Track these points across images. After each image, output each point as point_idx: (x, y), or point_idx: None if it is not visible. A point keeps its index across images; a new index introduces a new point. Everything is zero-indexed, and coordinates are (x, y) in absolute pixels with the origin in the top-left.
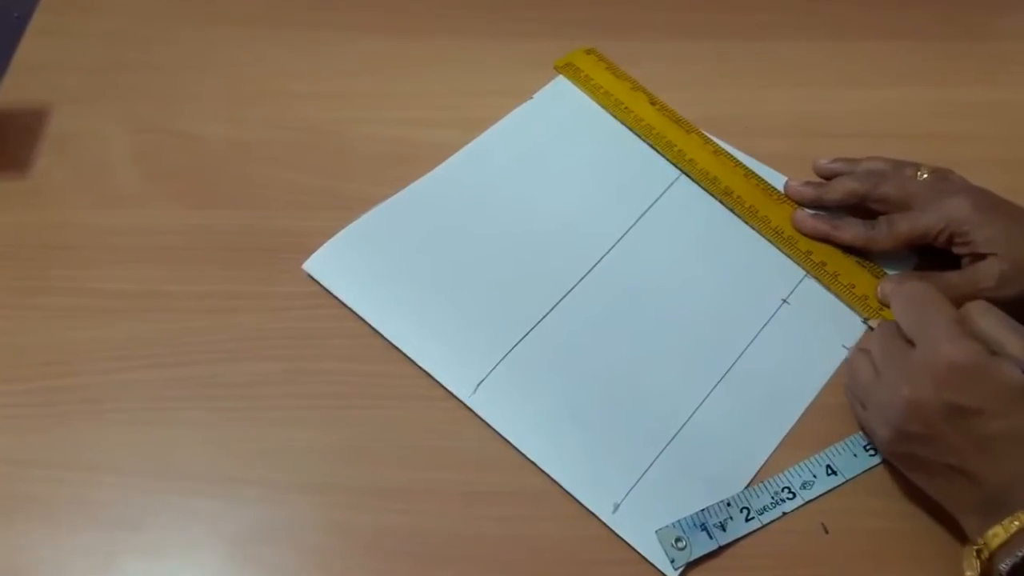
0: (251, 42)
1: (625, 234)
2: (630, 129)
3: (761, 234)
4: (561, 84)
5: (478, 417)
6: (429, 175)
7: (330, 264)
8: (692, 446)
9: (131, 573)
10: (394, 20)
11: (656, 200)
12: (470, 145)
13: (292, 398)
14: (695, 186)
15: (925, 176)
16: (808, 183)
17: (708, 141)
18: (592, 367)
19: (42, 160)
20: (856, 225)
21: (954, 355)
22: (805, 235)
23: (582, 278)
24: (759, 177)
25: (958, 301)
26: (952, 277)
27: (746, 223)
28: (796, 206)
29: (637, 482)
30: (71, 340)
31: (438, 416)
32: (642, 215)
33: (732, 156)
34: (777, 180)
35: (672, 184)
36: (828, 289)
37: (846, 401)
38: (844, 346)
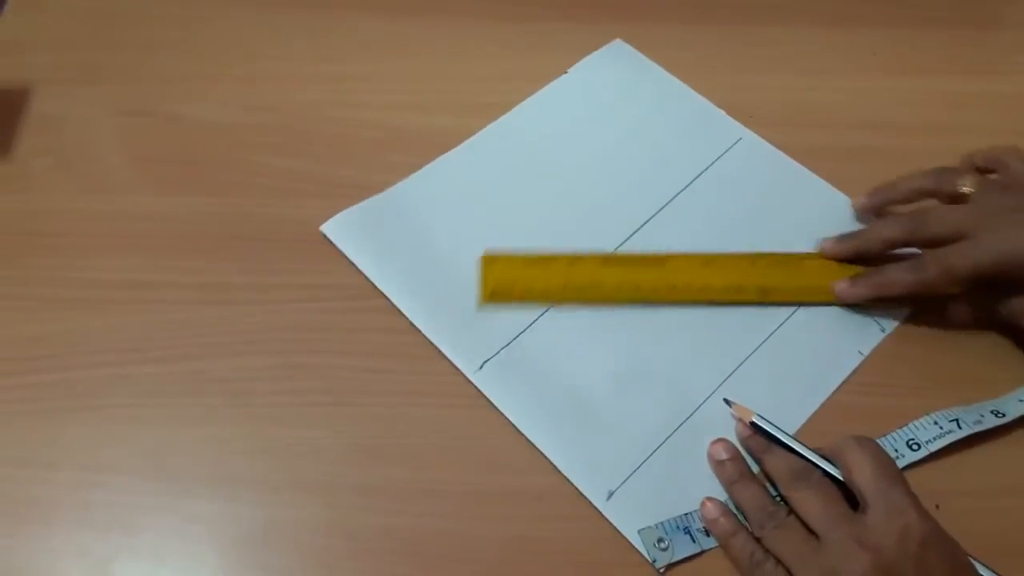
0: (243, 20)
1: (650, 219)
2: (613, 304)
3: (826, 304)
4: (617, 47)
5: (483, 414)
6: (458, 149)
7: (349, 228)
8: (695, 441)
9: None
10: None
11: (674, 197)
12: (504, 117)
13: (291, 394)
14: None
15: (973, 191)
16: (842, 238)
17: (690, 256)
18: (603, 350)
19: (23, 143)
20: (902, 273)
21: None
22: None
23: None
24: (765, 254)
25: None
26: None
27: (807, 304)
28: (820, 255)
29: (635, 472)
30: (58, 333)
31: (443, 414)
32: (655, 213)
33: (723, 253)
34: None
35: (709, 166)
36: None
37: (856, 403)
38: (860, 352)
